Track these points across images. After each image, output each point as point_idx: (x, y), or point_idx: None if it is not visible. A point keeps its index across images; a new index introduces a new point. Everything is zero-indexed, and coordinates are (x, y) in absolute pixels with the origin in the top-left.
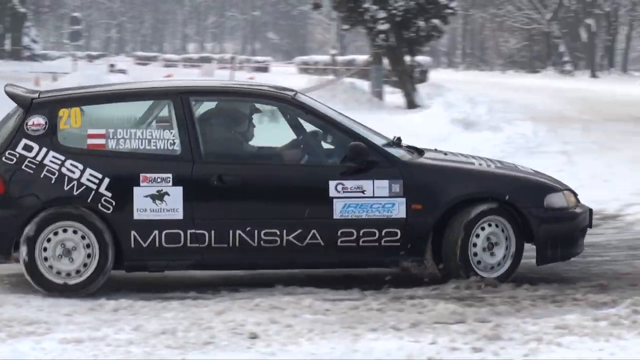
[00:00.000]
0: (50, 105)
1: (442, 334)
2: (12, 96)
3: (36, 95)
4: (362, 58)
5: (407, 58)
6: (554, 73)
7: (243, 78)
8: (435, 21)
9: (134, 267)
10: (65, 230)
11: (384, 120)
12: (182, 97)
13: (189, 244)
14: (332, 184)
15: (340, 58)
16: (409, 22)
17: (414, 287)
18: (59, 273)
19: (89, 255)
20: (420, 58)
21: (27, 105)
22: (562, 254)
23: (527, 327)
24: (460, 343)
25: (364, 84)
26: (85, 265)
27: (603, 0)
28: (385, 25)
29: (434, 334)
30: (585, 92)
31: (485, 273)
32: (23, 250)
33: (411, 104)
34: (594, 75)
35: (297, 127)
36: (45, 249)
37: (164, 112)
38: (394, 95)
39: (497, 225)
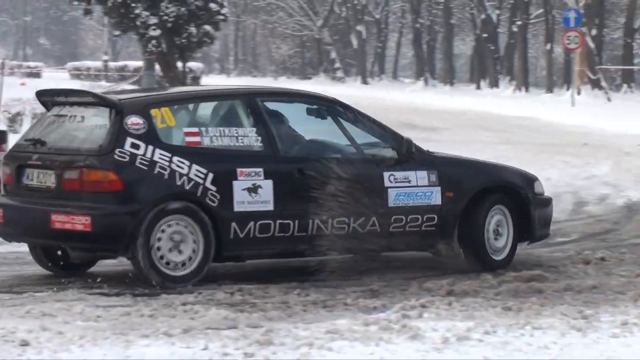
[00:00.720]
0: (141, 106)
1: (214, 339)
2: (98, 97)
3: (118, 97)
4: (134, 64)
5: (179, 64)
6: (325, 79)
7: (15, 84)
8: (207, 27)
9: (230, 258)
10: (177, 224)
11: None
12: (254, 98)
13: (276, 234)
14: (386, 175)
15: (112, 64)
16: (180, 28)
17: (185, 293)
18: (168, 264)
19: (193, 249)
20: (192, 64)
21: (117, 106)
22: (544, 234)
23: (298, 332)
24: (232, 348)
25: None
26: (190, 258)
27: (373, 8)
28: (157, 32)
29: (205, 340)
30: (356, 99)
31: (495, 256)
32: (139, 243)
33: None
34: (365, 82)
35: (342, 126)
36: (158, 241)
37: (242, 112)
38: None
39: (502, 213)
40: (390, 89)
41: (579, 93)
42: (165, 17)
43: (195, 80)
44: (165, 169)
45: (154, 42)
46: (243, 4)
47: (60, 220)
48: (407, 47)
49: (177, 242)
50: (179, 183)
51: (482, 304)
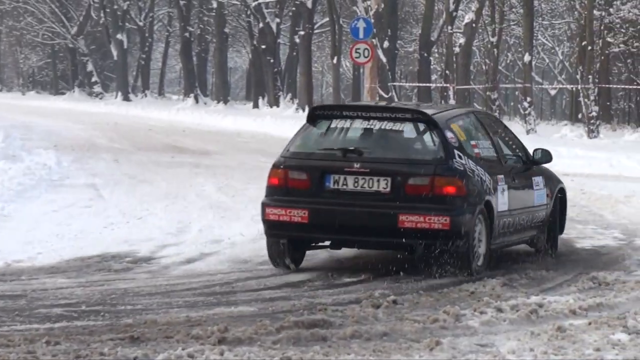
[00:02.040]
0: (446, 121)
1: None
2: (418, 112)
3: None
4: None
5: None
6: (81, 95)
7: None
8: None
9: (492, 250)
10: (479, 222)
11: None
12: (475, 115)
13: (509, 228)
14: (534, 179)
15: None
16: None
17: None
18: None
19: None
20: None
21: (434, 121)
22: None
23: None
24: None
25: None
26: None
27: (136, 13)
28: None
29: None
30: (117, 117)
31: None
32: (471, 238)
33: None
34: (127, 98)
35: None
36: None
37: (480, 126)
38: None
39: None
40: (156, 107)
41: None
42: None
43: None
44: (477, 176)
45: None
46: None
47: (412, 221)
48: (175, 59)
49: (480, 238)
50: (484, 188)
51: (259, 353)
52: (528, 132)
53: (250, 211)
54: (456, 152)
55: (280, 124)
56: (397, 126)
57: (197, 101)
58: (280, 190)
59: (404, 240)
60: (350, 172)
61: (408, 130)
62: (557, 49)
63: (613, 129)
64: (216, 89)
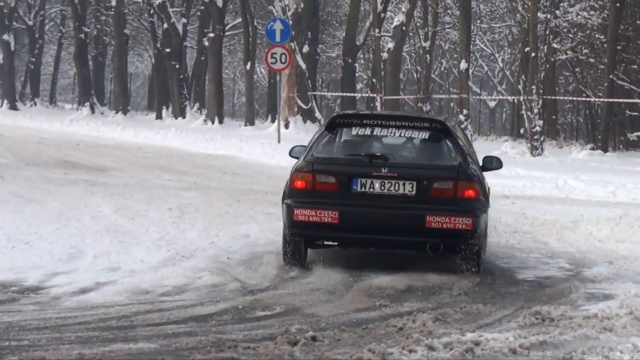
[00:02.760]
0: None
1: None
2: (437, 122)
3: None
4: None
5: None
6: None
7: None
8: None
9: None
10: None
11: None
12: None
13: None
14: None
15: None
16: None
17: None
18: None
19: None
20: None
21: (447, 129)
22: None
23: None
24: None
25: None
26: None
27: (25, 12)
28: None
29: None
30: (2, 128)
31: None
32: (481, 238)
33: None
34: (13, 107)
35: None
36: None
37: (462, 135)
38: None
39: None
40: (47, 117)
41: (286, 126)
42: None
43: None
44: (483, 180)
45: None
46: None
47: (438, 221)
48: (69, 64)
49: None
50: (487, 192)
51: None
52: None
53: (151, 235)
54: (469, 159)
55: (187, 137)
56: (416, 134)
57: (93, 111)
58: (308, 193)
59: (430, 239)
60: (378, 176)
61: (427, 137)
62: (497, 55)
63: (559, 145)
64: (115, 98)
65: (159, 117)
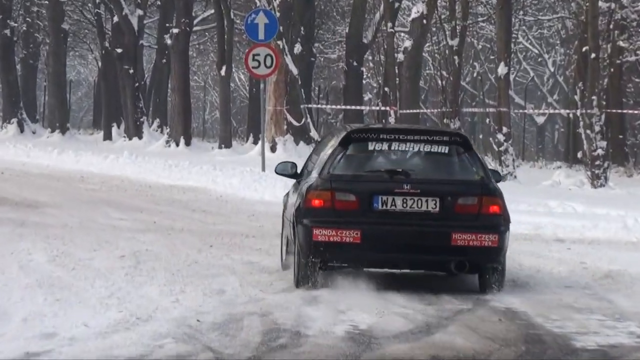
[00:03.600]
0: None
1: None
2: (457, 135)
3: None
4: None
5: None
6: None
7: None
8: None
9: None
10: None
11: None
12: None
13: None
14: None
15: None
16: None
17: None
18: None
19: None
20: None
21: (467, 143)
22: None
23: None
24: None
25: None
26: None
27: None
28: None
29: None
30: None
31: None
32: (505, 256)
33: None
34: None
35: None
36: None
37: None
38: None
39: None
40: None
41: (273, 149)
42: None
43: None
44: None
45: None
46: None
47: (464, 239)
48: None
49: None
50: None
51: None
52: (504, 177)
53: (98, 291)
54: (489, 172)
55: (144, 164)
56: (435, 148)
57: (22, 129)
58: (327, 212)
59: (456, 257)
60: (400, 193)
61: (447, 152)
62: (546, 57)
63: (628, 173)
64: (50, 112)
65: (108, 137)
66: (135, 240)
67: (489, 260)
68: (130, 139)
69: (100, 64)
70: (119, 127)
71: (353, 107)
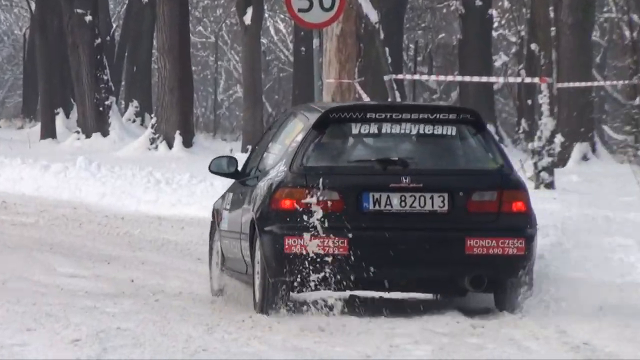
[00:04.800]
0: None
1: None
2: (465, 111)
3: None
4: None
5: None
6: None
7: None
8: None
9: None
10: None
11: None
12: None
13: None
14: None
15: None
16: None
17: None
18: None
19: None
20: None
21: (480, 121)
22: None
23: None
24: None
25: None
26: None
27: None
28: None
29: None
30: None
31: None
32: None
33: None
34: None
35: None
36: None
37: None
38: None
39: None
40: None
41: None
42: None
43: None
44: None
45: None
46: None
47: (482, 246)
48: None
49: None
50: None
51: None
52: None
53: None
54: (509, 159)
55: (112, 180)
56: (440, 129)
57: None
58: (302, 216)
59: (471, 270)
60: (397, 188)
61: (454, 134)
62: None
63: None
64: None
65: (49, 133)
66: (99, 312)
67: (513, 274)
68: (87, 135)
69: (33, 5)
70: (67, 115)
71: (475, 79)
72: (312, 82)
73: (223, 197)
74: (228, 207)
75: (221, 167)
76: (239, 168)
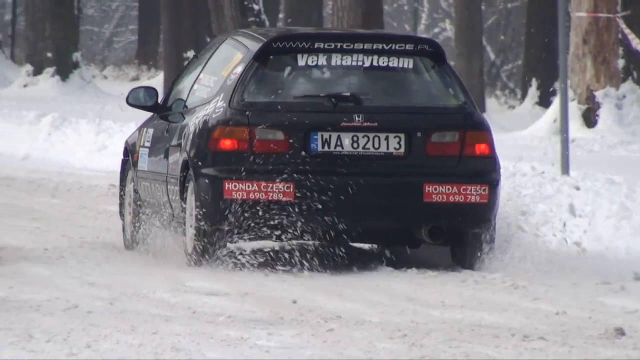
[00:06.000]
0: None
1: None
2: (423, 41)
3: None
4: None
5: None
6: None
7: None
8: None
9: None
10: None
11: None
12: None
13: None
14: None
15: None
16: None
17: None
18: None
19: None
20: None
21: (441, 53)
22: None
23: None
24: None
25: None
26: None
27: None
28: None
29: None
30: None
31: None
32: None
33: None
34: None
35: None
36: None
37: None
38: None
39: None
40: None
41: (589, 119)
42: None
43: None
44: None
45: None
46: None
47: (441, 193)
48: None
49: None
50: None
51: None
52: None
53: None
54: (470, 96)
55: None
56: (395, 62)
57: None
58: (243, 157)
59: (430, 220)
60: (348, 127)
61: (412, 66)
62: None
63: None
64: None
65: None
66: (247, 346)
67: (475, 224)
68: None
69: None
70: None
71: None
72: (550, 16)
73: (139, 130)
74: (148, 144)
75: (137, 98)
76: (160, 100)
